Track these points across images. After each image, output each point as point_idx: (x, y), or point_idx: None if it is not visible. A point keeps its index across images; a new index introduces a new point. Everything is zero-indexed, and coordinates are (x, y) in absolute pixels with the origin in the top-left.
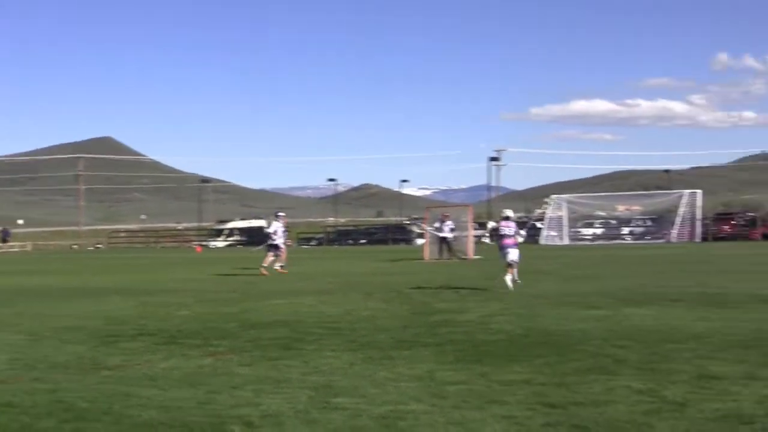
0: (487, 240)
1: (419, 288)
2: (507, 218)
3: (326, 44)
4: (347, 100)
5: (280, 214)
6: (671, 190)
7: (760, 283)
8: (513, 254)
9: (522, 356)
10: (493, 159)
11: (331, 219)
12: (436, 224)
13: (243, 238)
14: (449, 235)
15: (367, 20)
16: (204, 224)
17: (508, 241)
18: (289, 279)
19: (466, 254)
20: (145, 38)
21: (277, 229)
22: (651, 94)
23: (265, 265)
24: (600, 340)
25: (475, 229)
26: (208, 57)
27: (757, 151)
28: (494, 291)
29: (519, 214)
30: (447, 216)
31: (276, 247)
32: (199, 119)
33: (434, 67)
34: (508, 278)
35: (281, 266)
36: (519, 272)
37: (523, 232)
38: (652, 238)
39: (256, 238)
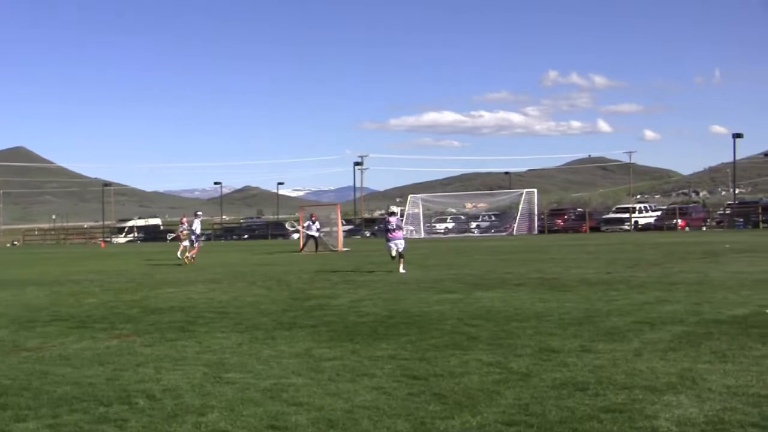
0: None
1: (296, 277)
2: (393, 213)
3: (211, 58)
4: (230, 110)
5: (199, 213)
6: (511, 189)
7: (588, 269)
8: (400, 245)
9: (388, 335)
10: (357, 164)
11: (218, 218)
12: (308, 223)
13: (141, 235)
14: (315, 234)
15: (251, 34)
16: (107, 223)
17: (396, 234)
18: (181, 270)
19: (336, 247)
20: (50, 53)
21: (197, 226)
22: (492, 107)
23: (193, 255)
24: (455, 320)
25: (343, 224)
26: (105, 70)
27: (583, 155)
28: (392, 275)
29: (381, 212)
30: (315, 217)
31: (194, 240)
32: (101, 129)
33: (306, 82)
34: (401, 268)
35: (190, 257)
36: (385, 263)
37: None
38: (496, 231)
39: (153, 234)
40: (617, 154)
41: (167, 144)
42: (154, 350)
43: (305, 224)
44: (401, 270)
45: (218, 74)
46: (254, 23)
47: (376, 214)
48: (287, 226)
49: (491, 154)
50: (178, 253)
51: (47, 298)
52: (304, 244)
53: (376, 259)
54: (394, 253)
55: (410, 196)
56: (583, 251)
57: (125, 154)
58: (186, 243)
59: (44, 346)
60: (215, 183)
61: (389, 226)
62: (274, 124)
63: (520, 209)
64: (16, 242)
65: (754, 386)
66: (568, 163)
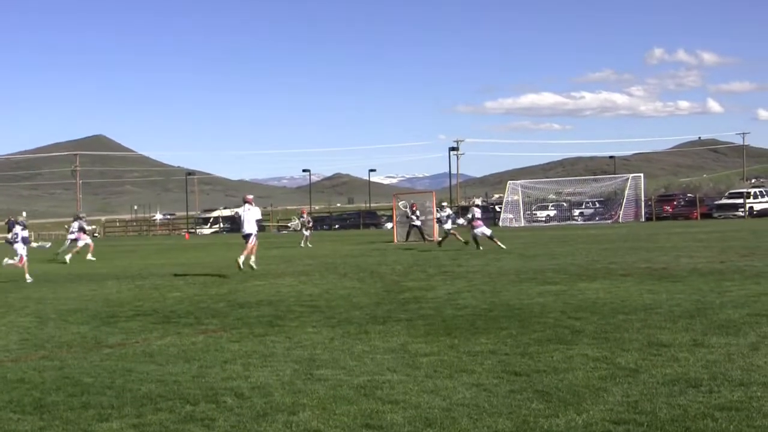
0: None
1: (390, 268)
2: (478, 206)
3: (300, 44)
4: (320, 96)
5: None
6: (616, 174)
7: (699, 258)
8: (485, 230)
9: (487, 329)
10: (453, 149)
11: (306, 207)
12: (408, 212)
13: (227, 226)
14: (418, 222)
15: (341, 22)
16: (191, 213)
17: (480, 222)
18: (270, 262)
19: (431, 237)
20: (131, 43)
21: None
22: (593, 87)
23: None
24: (558, 313)
25: (439, 213)
26: (189, 57)
27: (693, 137)
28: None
29: (479, 200)
30: (416, 206)
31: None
32: (184, 116)
33: (397, 65)
34: (499, 242)
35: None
36: (485, 251)
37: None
38: (601, 219)
39: (240, 224)
40: (729, 136)
41: (253, 131)
42: (241, 346)
43: (406, 213)
44: (500, 245)
45: (304, 58)
46: (342, 4)
47: (475, 201)
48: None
49: (594, 137)
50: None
51: (129, 292)
52: (406, 234)
53: (474, 250)
54: (487, 234)
55: (509, 182)
56: (693, 239)
57: (209, 141)
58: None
59: (127, 343)
60: (304, 171)
61: (477, 216)
62: (364, 109)
63: (625, 195)
64: (97, 234)
65: None
66: (676, 146)
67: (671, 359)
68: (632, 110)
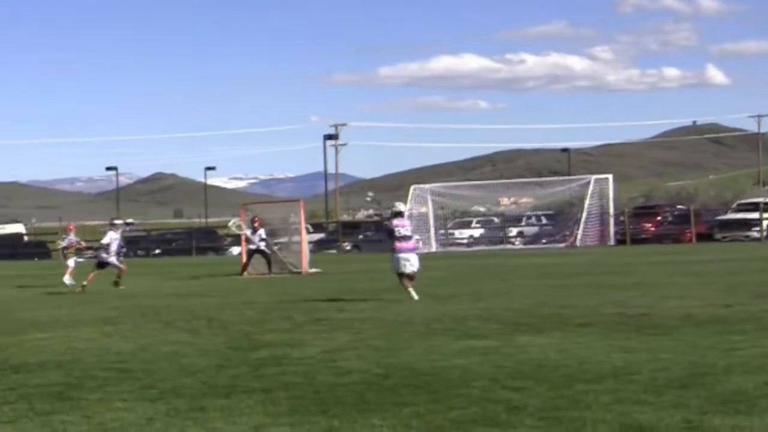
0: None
1: (237, 313)
2: (399, 214)
3: None
4: (131, 62)
5: (117, 222)
6: (572, 176)
7: (695, 300)
8: (413, 262)
9: (382, 404)
10: (330, 137)
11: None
12: (249, 231)
13: None
14: (262, 246)
15: None
16: None
17: (405, 244)
18: (58, 304)
19: (299, 267)
20: None
21: (111, 240)
22: (539, 47)
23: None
24: (487, 381)
25: (310, 232)
26: None
27: (685, 122)
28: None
29: (370, 212)
30: (259, 221)
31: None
32: None
33: (240, 16)
34: (412, 290)
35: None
36: (377, 290)
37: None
38: (550, 242)
39: (11, 248)
40: (738, 120)
41: (30, 111)
42: (17, 430)
43: (247, 232)
44: (414, 296)
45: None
46: None
47: (361, 215)
48: (232, 227)
49: (540, 120)
50: (65, 278)
51: None
52: (248, 263)
53: (362, 286)
54: (407, 270)
55: (413, 186)
56: (686, 272)
57: None
58: (71, 262)
59: None
60: (108, 169)
61: (400, 232)
62: (198, 83)
63: (586, 207)
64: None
65: None
66: (660, 134)
67: None
68: (596, 81)
